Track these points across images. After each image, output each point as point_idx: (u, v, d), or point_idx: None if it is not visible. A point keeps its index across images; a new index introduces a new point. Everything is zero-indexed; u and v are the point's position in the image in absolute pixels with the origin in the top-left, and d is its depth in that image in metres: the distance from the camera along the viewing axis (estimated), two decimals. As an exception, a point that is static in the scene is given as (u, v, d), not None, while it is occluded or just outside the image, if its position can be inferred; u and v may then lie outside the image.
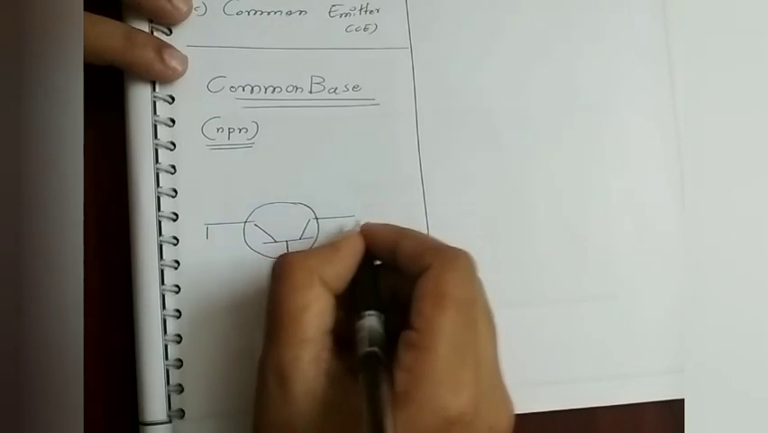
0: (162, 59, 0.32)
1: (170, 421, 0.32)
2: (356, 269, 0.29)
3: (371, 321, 0.27)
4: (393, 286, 0.30)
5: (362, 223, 0.31)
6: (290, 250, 0.33)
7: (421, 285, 0.27)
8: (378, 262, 0.30)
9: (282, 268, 0.28)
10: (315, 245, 0.33)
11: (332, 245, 0.29)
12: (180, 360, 0.32)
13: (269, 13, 0.34)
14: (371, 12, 0.35)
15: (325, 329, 0.27)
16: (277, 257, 0.28)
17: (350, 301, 0.29)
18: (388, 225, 0.31)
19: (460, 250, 0.28)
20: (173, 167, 0.33)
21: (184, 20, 0.33)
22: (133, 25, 0.32)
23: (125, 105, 0.33)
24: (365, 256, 0.30)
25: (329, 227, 0.33)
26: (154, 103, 0.33)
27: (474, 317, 0.27)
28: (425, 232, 0.34)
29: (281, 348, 0.26)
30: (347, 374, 0.27)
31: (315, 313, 0.27)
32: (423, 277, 0.27)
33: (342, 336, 0.28)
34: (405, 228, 0.30)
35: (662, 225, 0.35)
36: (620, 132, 0.35)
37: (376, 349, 0.26)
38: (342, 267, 0.29)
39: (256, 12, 0.34)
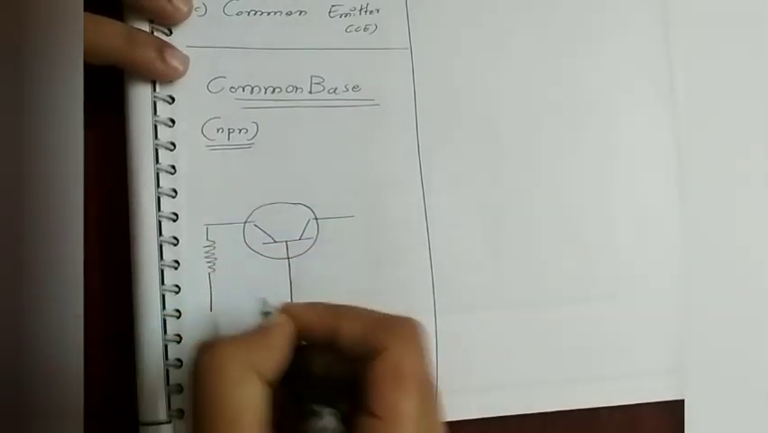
0: (164, 59, 0.32)
1: (170, 421, 0.32)
2: (289, 355, 0.27)
3: (331, 422, 0.26)
4: (325, 365, 0.28)
5: (274, 305, 0.28)
6: (223, 337, 0.27)
7: (379, 368, 0.25)
8: (303, 343, 0.28)
9: (213, 360, 0.25)
10: (315, 244, 0.33)
11: (261, 330, 0.27)
12: (180, 360, 0.32)
13: (269, 14, 0.34)
14: (371, 12, 0.35)
15: (265, 427, 0.25)
16: (199, 345, 0.25)
17: (280, 389, 0.26)
18: (316, 304, 0.28)
19: (410, 321, 0.27)
20: (173, 167, 0.33)
21: (184, 20, 0.33)
22: (134, 26, 0.32)
23: (125, 106, 0.33)
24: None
25: (329, 227, 0.33)
26: (154, 103, 0.33)
27: (432, 391, 0.26)
28: (425, 232, 0.34)
29: None
30: None
31: (255, 411, 0.24)
32: (380, 359, 0.25)
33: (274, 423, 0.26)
34: (338, 306, 0.28)
35: (662, 225, 0.35)
36: (620, 132, 0.35)
37: None
38: (276, 354, 0.26)
39: (256, 12, 0.34)
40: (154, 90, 0.33)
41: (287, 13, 0.34)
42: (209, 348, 0.25)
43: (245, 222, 0.33)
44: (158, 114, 0.33)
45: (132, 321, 0.32)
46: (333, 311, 0.27)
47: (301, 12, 0.34)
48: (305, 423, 0.26)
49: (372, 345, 0.26)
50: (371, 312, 0.28)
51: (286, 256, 0.33)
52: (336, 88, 0.34)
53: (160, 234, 0.32)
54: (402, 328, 0.26)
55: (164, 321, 0.32)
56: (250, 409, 0.24)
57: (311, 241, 0.33)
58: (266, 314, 0.28)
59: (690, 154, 0.32)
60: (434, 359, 0.33)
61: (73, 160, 0.24)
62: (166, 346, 0.32)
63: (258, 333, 0.27)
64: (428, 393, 0.26)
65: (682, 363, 0.34)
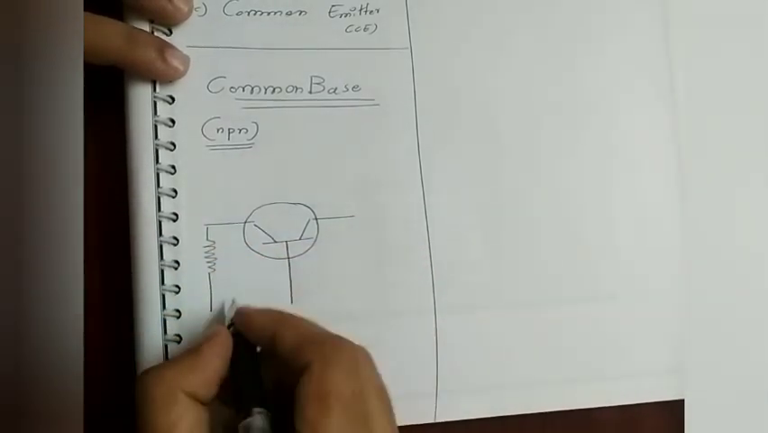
0: (164, 59, 0.32)
1: (170, 421, 0.32)
2: (226, 369, 0.28)
3: (257, 421, 0.26)
4: (277, 373, 0.28)
5: (237, 305, 0.30)
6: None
7: (303, 386, 0.25)
8: (259, 349, 0.29)
9: (142, 386, 0.26)
10: (315, 244, 0.33)
11: (194, 351, 0.28)
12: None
13: (269, 14, 0.34)
14: (371, 12, 0.35)
15: None
16: (142, 373, 0.27)
17: (233, 395, 0.27)
18: (267, 310, 0.30)
19: (341, 340, 0.27)
20: (173, 167, 0.33)
21: (185, 20, 0.33)
22: (134, 25, 0.32)
23: (125, 106, 0.33)
24: (245, 343, 0.29)
25: (329, 227, 0.33)
26: (154, 103, 0.33)
27: (364, 410, 0.26)
28: (425, 232, 0.34)
29: None
30: None
31: (183, 431, 0.26)
32: (304, 376, 0.26)
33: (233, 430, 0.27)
34: (284, 314, 0.29)
35: (662, 225, 0.35)
36: (620, 132, 0.35)
37: None
38: (208, 373, 0.27)
39: (256, 12, 0.34)
40: (154, 90, 0.33)
41: (287, 13, 0.34)
42: (142, 375, 0.27)
43: (245, 222, 0.33)
44: (158, 114, 0.33)
45: (132, 321, 0.32)
46: (277, 319, 0.28)
47: (301, 12, 0.34)
48: (237, 420, 0.27)
49: (300, 360, 0.26)
50: (310, 326, 0.29)
51: (286, 256, 0.33)
52: (336, 88, 0.34)
53: (160, 234, 0.32)
54: (329, 346, 0.27)
55: (164, 321, 0.32)
56: (177, 428, 0.26)
57: (311, 241, 0.33)
58: (224, 318, 0.30)
59: (690, 154, 0.32)
60: (434, 359, 0.34)
61: (73, 160, 0.24)
62: (166, 346, 0.32)
63: (189, 353, 0.28)
64: (361, 412, 0.26)
65: (682, 363, 0.34)
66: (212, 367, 0.27)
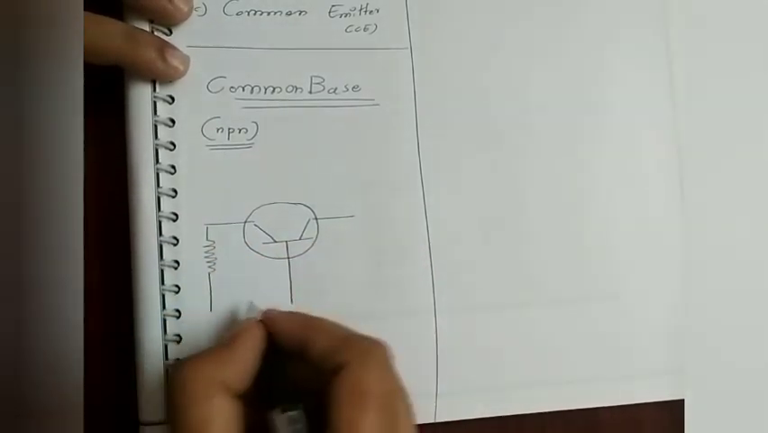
0: (164, 59, 0.32)
1: (170, 421, 0.32)
2: (259, 362, 0.28)
3: (298, 415, 0.27)
4: (303, 374, 0.28)
5: (261, 309, 0.30)
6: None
7: (338, 385, 0.26)
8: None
9: (179, 379, 0.26)
10: (315, 244, 0.33)
11: (228, 344, 0.28)
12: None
13: (269, 14, 0.34)
14: (371, 12, 0.35)
15: None
16: (176, 365, 0.27)
17: (257, 393, 0.28)
18: (294, 314, 0.30)
19: (374, 340, 0.27)
20: (173, 167, 0.33)
21: (185, 20, 0.33)
22: (134, 25, 0.32)
23: (125, 106, 0.33)
24: (271, 344, 0.29)
25: (329, 227, 0.33)
26: (154, 103, 0.33)
27: (396, 410, 0.26)
28: (425, 232, 0.34)
29: None
30: None
31: (220, 426, 0.25)
32: (340, 376, 0.26)
33: (254, 430, 0.27)
34: (312, 319, 0.29)
35: (662, 225, 0.35)
36: (620, 132, 0.35)
37: None
38: (242, 366, 0.27)
39: (256, 12, 0.34)
40: (154, 90, 0.33)
41: (287, 13, 0.34)
42: (177, 367, 0.26)
43: (245, 222, 0.33)
44: (158, 114, 0.33)
45: (132, 321, 0.32)
46: (307, 323, 0.29)
47: (301, 12, 0.34)
48: (270, 414, 0.27)
49: (335, 361, 0.26)
50: (341, 329, 0.29)
51: (286, 256, 0.33)
52: (336, 88, 0.34)
53: (160, 234, 0.32)
54: (363, 346, 0.27)
55: (164, 321, 0.32)
56: (215, 422, 0.25)
57: (311, 241, 0.33)
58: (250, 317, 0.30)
59: (690, 154, 0.32)
60: (434, 359, 0.34)
61: (73, 159, 0.24)
62: (166, 346, 0.32)
63: (223, 347, 0.28)
64: (392, 411, 0.26)
65: (682, 363, 0.34)
66: (246, 361, 0.28)
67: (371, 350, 0.27)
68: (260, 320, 0.30)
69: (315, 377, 0.27)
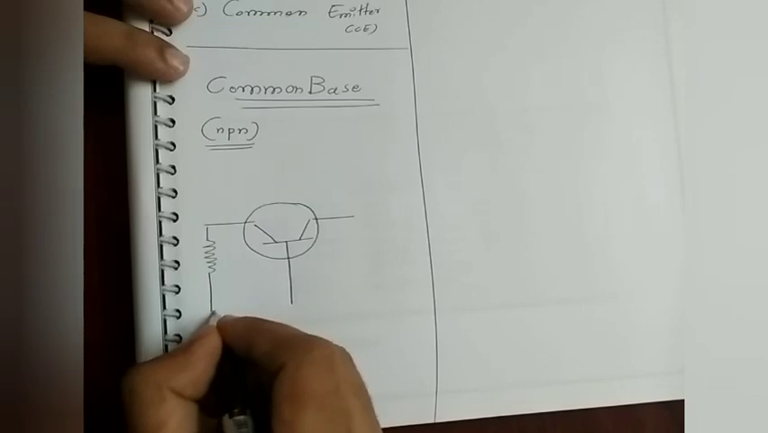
0: (164, 59, 0.32)
1: (170, 421, 0.32)
2: (214, 369, 0.28)
3: (245, 419, 0.27)
4: (258, 379, 0.28)
5: (220, 316, 0.31)
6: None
7: (277, 387, 0.26)
8: None
9: (129, 384, 0.26)
10: (315, 245, 0.33)
11: (184, 350, 0.28)
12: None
13: (269, 14, 0.34)
14: (371, 12, 0.35)
15: None
16: (128, 370, 0.27)
17: (215, 400, 0.28)
18: (244, 319, 0.30)
19: (315, 340, 0.27)
20: (173, 167, 0.33)
21: (184, 20, 0.33)
22: (134, 25, 0.32)
23: (125, 106, 0.33)
24: (227, 350, 0.29)
25: (329, 227, 0.33)
26: (154, 103, 0.33)
27: (342, 407, 0.26)
28: (425, 232, 0.34)
29: None
30: None
31: (172, 429, 0.26)
32: (278, 378, 0.26)
33: None
34: (257, 321, 0.29)
35: (662, 225, 0.35)
36: (620, 132, 0.35)
37: None
38: (197, 372, 0.27)
39: (256, 12, 0.34)
40: (154, 90, 0.33)
41: (287, 13, 0.34)
42: (128, 373, 0.27)
43: (245, 222, 0.33)
44: (158, 114, 0.33)
45: (132, 321, 0.32)
46: (252, 326, 0.29)
47: (301, 12, 0.34)
48: (220, 420, 0.27)
49: (276, 362, 0.26)
50: (285, 330, 0.29)
51: (286, 256, 0.33)
52: (336, 88, 0.34)
53: (160, 234, 0.32)
54: (303, 346, 0.27)
55: (164, 321, 0.32)
56: (168, 426, 0.26)
57: (311, 241, 0.33)
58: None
59: (690, 154, 0.32)
60: (434, 359, 0.34)
61: (73, 160, 0.24)
62: (166, 346, 0.32)
63: (177, 353, 0.28)
64: (338, 410, 0.26)
65: (682, 363, 0.34)
66: (201, 366, 0.28)
67: (309, 350, 0.26)
68: (216, 327, 0.30)
69: (266, 381, 0.27)
